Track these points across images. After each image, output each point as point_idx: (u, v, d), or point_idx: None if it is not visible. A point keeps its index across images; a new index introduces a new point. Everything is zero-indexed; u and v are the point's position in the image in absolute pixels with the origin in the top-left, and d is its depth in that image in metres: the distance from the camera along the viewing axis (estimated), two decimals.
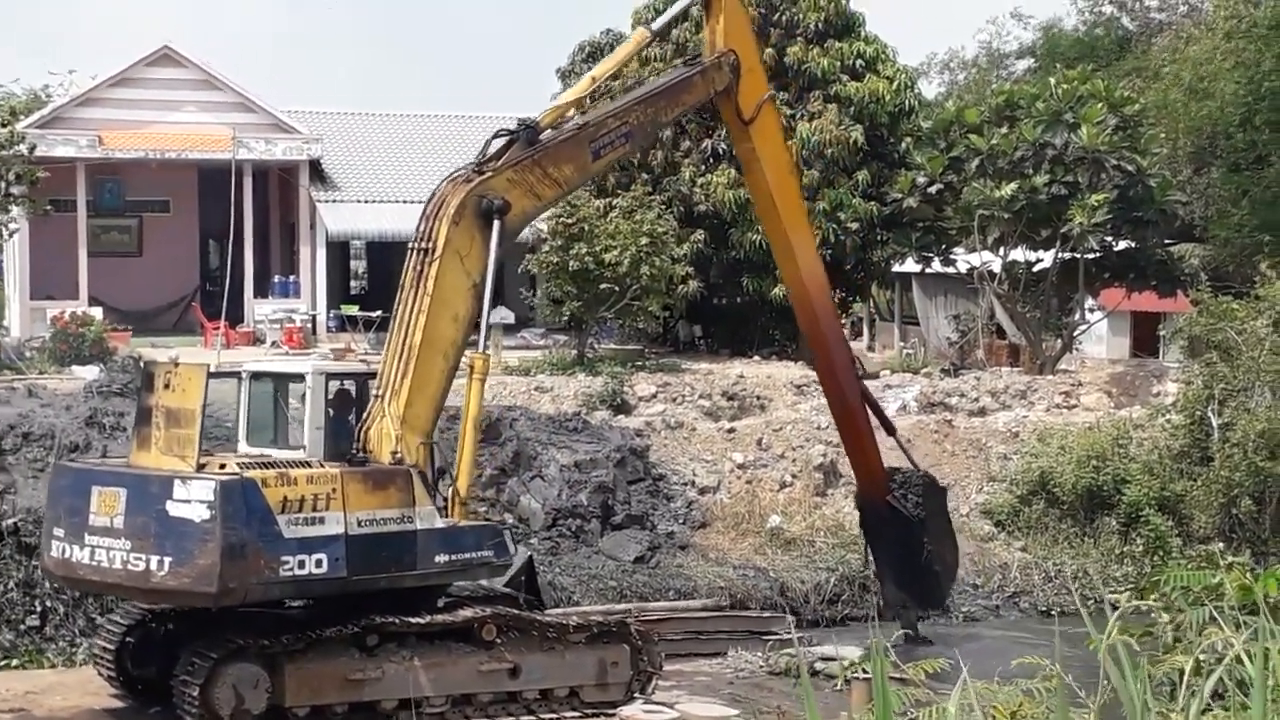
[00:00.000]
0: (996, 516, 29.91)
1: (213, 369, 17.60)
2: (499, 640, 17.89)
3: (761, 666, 21.26)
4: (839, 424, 23.00)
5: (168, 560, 16.10)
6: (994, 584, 28.18)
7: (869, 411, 22.47)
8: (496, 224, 18.02)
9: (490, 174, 18.22)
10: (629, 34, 42.17)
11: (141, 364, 17.64)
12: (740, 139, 21.44)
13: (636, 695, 18.30)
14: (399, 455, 17.20)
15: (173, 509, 16.18)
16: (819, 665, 20.31)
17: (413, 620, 17.42)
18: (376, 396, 17.58)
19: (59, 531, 16.92)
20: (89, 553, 16.55)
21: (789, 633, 22.35)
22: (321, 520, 16.64)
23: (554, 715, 18.08)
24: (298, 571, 16.50)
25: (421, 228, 18.03)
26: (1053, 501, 29.64)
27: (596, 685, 18.41)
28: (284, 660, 16.80)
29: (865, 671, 15.98)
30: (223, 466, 16.72)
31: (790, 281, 22.26)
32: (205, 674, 16.42)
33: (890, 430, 23.22)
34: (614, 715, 17.31)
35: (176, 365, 17.06)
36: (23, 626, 21.63)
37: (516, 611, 18.43)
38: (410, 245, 18.23)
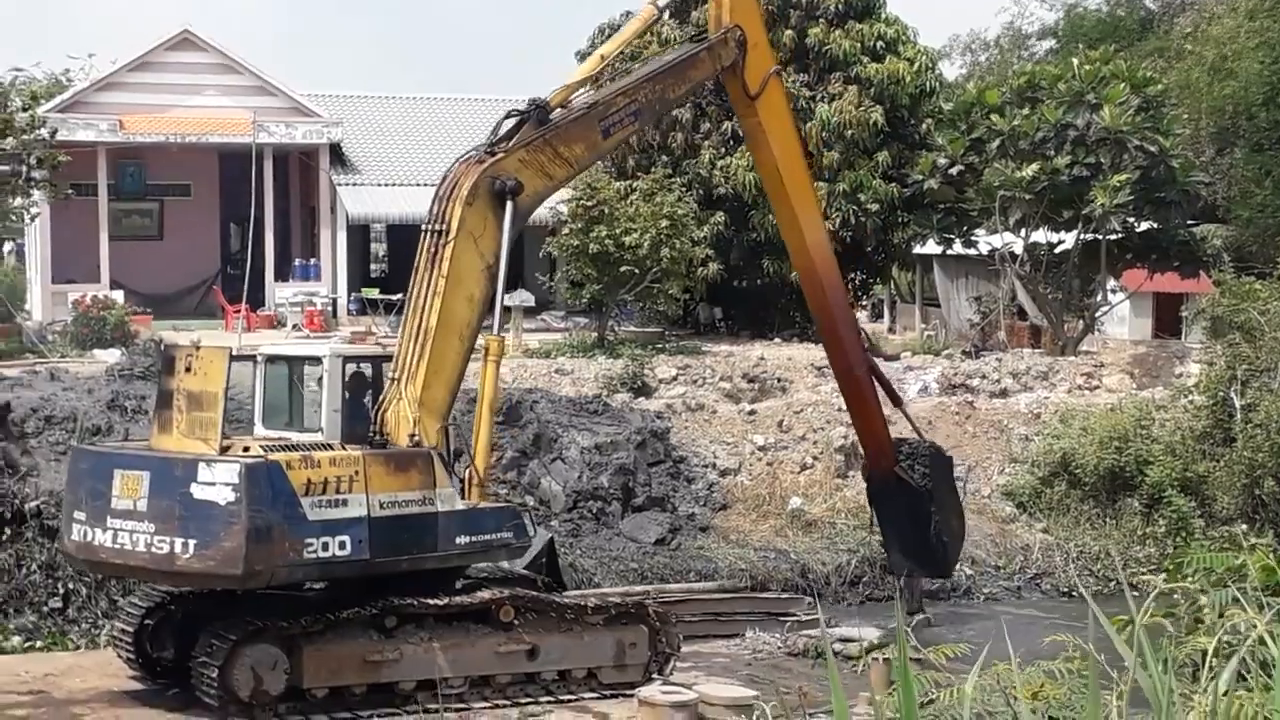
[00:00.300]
0: (1018, 498, 29.84)
1: (235, 352, 17.55)
2: (517, 622, 17.90)
3: (780, 648, 21.26)
4: (846, 397, 22.94)
5: (192, 543, 16.07)
6: (1015, 565, 28.12)
7: (876, 385, 22.34)
8: (509, 205, 17.96)
9: (502, 155, 18.16)
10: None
11: (161, 347, 17.61)
12: (746, 114, 21.30)
13: (655, 676, 18.28)
14: (416, 438, 17.20)
15: (197, 491, 16.15)
16: (837, 646, 20.32)
17: (431, 602, 17.43)
18: (393, 379, 17.54)
19: (80, 515, 16.86)
20: (111, 536, 16.48)
21: (809, 614, 22.34)
22: (344, 502, 16.65)
23: (572, 696, 18.09)
24: (321, 554, 16.50)
25: (435, 209, 17.98)
26: (1074, 483, 29.56)
27: (615, 666, 18.41)
28: (302, 642, 16.82)
29: (875, 643, 16.04)
30: (246, 449, 16.72)
31: (797, 255, 22.13)
32: (223, 655, 16.44)
33: (897, 402, 23.28)
34: (631, 696, 17.28)
35: (198, 348, 17.03)
36: (45, 608, 21.71)
37: (534, 593, 18.43)
38: (423, 227, 18.19)
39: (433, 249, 17.81)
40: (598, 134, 19.20)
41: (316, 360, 18.14)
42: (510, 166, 18.13)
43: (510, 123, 18.51)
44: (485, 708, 17.30)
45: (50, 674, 18.86)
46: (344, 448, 17.12)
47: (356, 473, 16.77)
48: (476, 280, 17.89)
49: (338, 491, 16.60)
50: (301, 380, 18.21)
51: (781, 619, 22.36)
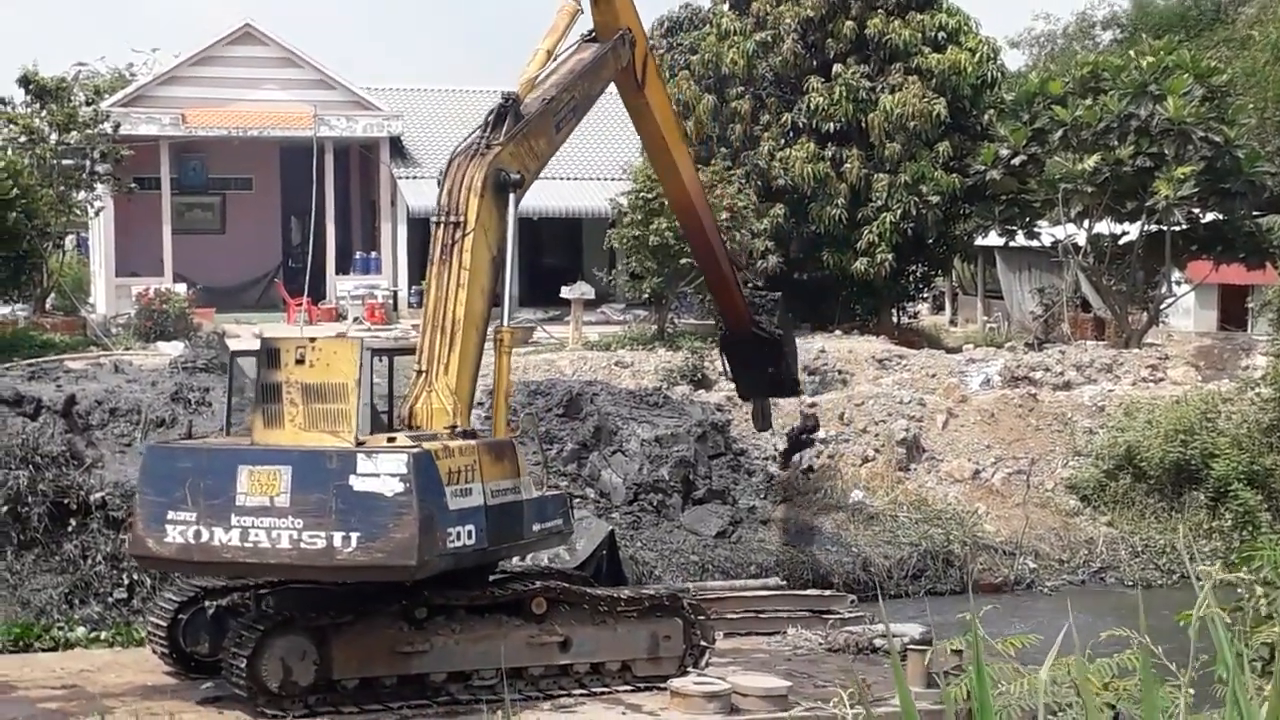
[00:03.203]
0: (1082, 491, 29.61)
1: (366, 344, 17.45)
2: (549, 613, 17.85)
3: (821, 644, 21.16)
4: (712, 286, 25.83)
5: (355, 536, 15.80)
6: (1080, 559, 27.92)
7: (728, 265, 25.34)
8: (512, 197, 18.30)
9: (499, 148, 18.38)
10: (706, 6, 42.14)
11: (260, 341, 17.35)
12: (634, 97, 22.53)
13: (690, 669, 18.17)
14: (457, 428, 17.16)
15: (357, 484, 15.85)
16: (878, 642, 20.29)
17: (462, 593, 17.38)
18: (419, 371, 17.42)
19: (186, 515, 16.37)
20: (238, 534, 16.10)
21: (851, 612, 22.29)
22: (470, 491, 16.62)
23: (605, 689, 18.03)
24: (454, 543, 16.43)
25: (445, 202, 18.14)
26: (1139, 476, 29.29)
27: (649, 659, 18.29)
28: (332, 632, 16.78)
29: (915, 640, 15.92)
30: (391, 440, 16.55)
31: (675, 192, 23.93)
32: (252, 646, 16.40)
33: (741, 268, 27.21)
34: (665, 689, 17.20)
35: (313, 341, 16.93)
36: (110, 599, 21.89)
37: (566, 584, 18.42)
38: (434, 220, 18.31)
39: (447, 241, 17.91)
40: (553, 129, 19.82)
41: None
42: (506, 159, 18.35)
43: (493, 117, 18.79)
44: (517, 700, 17.24)
45: (86, 670, 18.94)
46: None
47: (475, 461, 16.78)
48: (488, 272, 18.06)
49: (466, 481, 16.59)
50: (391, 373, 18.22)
51: (824, 616, 22.26)
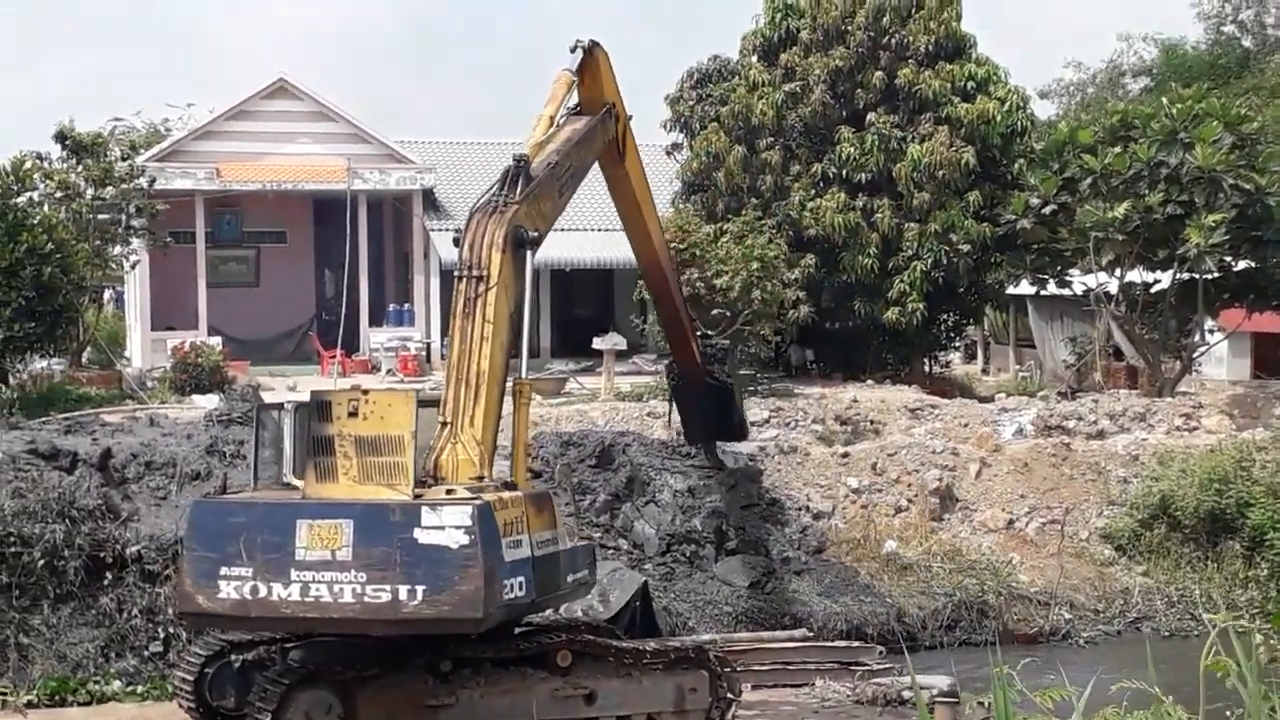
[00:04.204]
0: (1117, 540, 29.47)
1: (419, 397, 17.57)
2: (574, 666, 17.83)
3: (849, 696, 21.09)
4: (672, 338, 26.88)
5: (420, 589, 15.76)
6: (1115, 609, 27.77)
7: (688, 319, 26.71)
8: (529, 255, 18.55)
9: (516, 206, 18.68)
10: (735, 59, 42.32)
11: (311, 396, 17.36)
12: (615, 168, 23.51)
13: None
14: (486, 480, 17.20)
15: (422, 536, 15.79)
16: (906, 694, 20.22)
17: (488, 646, 17.37)
18: (444, 423, 17.47)
19: (241, 570, 16.25)
20: (299, 589, 15.99)
21: (880, 664, 22.23)
22: (520, 543, 16.67)
23: None
24: (509, 595, 16.39)
25: (468, 256, 18.32)
26: (1174, 525, 29.15)
27: (675, 712, 18.25)
28: (357, 686, 16.77)
29: (943, 692, 15.87)
30: (450, 493, 16.58)
31: (645, 252, 24.97)
32: (277, 700, 16.39)
33: (691, 317, 27.62)
34: None
35: (366, 393, 17.01)
36: (146, 653, 21.96)
37: (591, 636, 18.42)
38: (457, 273, 18.51)
39: (470, 294, 18.08)
40: (557, 193, 20.29)
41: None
42: (522, 217, 18.64)
43: (508, 176, 19.20)
44: None
45: None
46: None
47: (523, 513, 16.84)
48: (508, 327, 18.21)
49: (518, 532, 16.64)
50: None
51: (852, 668, 22.20)
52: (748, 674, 20.36)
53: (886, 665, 22.02)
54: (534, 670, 17.64)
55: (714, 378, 27.24)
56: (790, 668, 22.15)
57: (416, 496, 16.12)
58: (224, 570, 16.32)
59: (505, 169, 19.28)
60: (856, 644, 24.06)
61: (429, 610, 15.78)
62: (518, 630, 18.13)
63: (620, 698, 17.96)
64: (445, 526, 15.84)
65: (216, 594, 16.38)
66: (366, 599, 15.86)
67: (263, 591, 16.17)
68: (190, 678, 18.36)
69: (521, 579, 16.48)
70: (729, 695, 18.51)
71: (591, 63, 22.18)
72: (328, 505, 16.37)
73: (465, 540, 15.77)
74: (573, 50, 21.88)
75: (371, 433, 16.38)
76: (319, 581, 15.96)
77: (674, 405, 28.69)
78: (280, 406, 18.84)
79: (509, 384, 18.03)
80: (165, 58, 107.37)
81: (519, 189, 18.91)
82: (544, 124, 20.88)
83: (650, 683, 18.14)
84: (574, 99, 21.96)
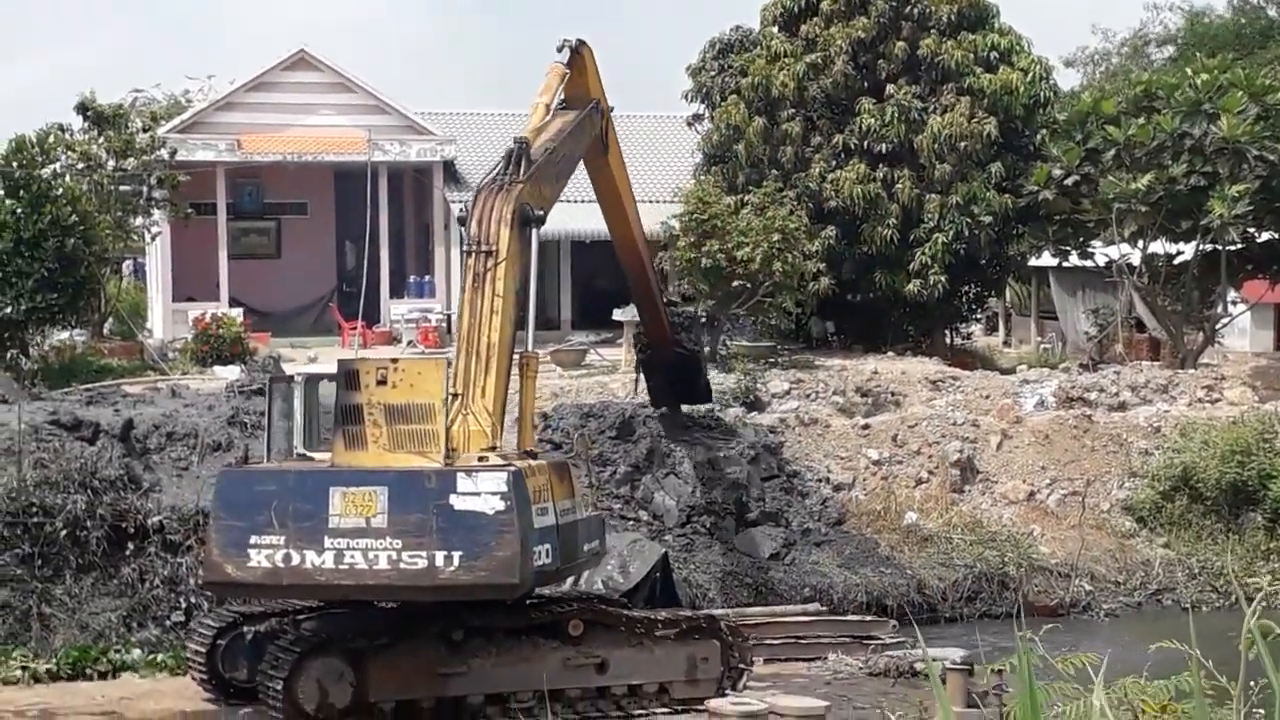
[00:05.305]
0: (1138, 513, 29.42)
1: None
2: (585, 635, 17.86)
3: (861, 669, 21.12)
4: (644, 312, 27.36)
5: (457, 555, 15.88)
6: (1136, 581, 27.74)
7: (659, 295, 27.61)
8: (534, 232, 18.89)
9: (521, 185, 18.99)
10: (755, 29, 42.13)
11: (339, 365, 17.42)
12: (598, 160, 23.98)
13: (727, 691, 18.16)
14: (497, 449, 17.24)
15: (458, 503, 15.95)
16: (919, 666, 20.23)
17: (499, 615, 17.42)
18: (454, 394, 17.47)
19: (272, 539, 16.31)
20: (332, 556, 16.09)
21: (893, 636, 22.30)
22: (546, 511, 16.78)
23: (643, 711, 18.01)
24: (538, 562, 16.51)
25: (476, 232, 18.53)
26: (1196, 497, 29.10)
27: (686, 681, 18.31)
28: (369, 655, 16.80)
29: (955, 663, 15.89)
30: (482, 459, 16.63)
31: (623, 237, 25.48)
32: (289, 668, 16.43)
33: (662, 291, 28.85)
34: (702, 709, 17.22)
35: (395, 362, 17.07)
36: (168, 622, 22.06)
37: (602, 606, 18.49)
38: (465, 249, 18.79)
39: (480, 269, 18.20)
40: (554, 178, 20.80)
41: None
42: (527, 195, 18.94)
43: (511, 156, 19.61)
44: None
45: (125, 697, 19.09)
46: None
47: (548, 481, 16.92)
48: (516, 301, 18.36)
49: (545, 500, 16.73)
50: None
51: (865, 641, 22.22)
52: (760, 647, 20.40)
53: (899, 639, 22.04)
54: (545, 639, 17.70)
55: (682, 346, 27.94)
56: (802, 641, 22.19)
57: (448, 463, 16.16)
58: (254, 539, 16.40)
59: (507, 149, 19.67)
60: (869, 618, 24.10)
61: (466, 576, 15.86)
62: (528, 600, 18.18)
63: (632, 667, 18.03)
64: (481, 493, 15.93)
65: (246, 563, 16.44)
66: (403, 565, 15.93)
67: (295, 559, 16.25)
68: (203, 650, 18.43)
69: (548, 545, 16.62)
70: (740, 665, 18.56)
71: (578, 61, 22.73)
72: (361, 473, 16.41)
73: (501, 506, 15.87)
74: (559, 50, 22.54)
75: (401, 400, 16.42)
76: (354, 549, 16.04)
77: (640, 373, 29.22)
78: (290, 379, 18.91)
79: (516, 357, 18.16)
80: (189, 37, 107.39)
81: (522, 169, 19.20)
82: (540, 111, 21.52)
83: (662, 652, 18.20)
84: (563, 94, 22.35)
